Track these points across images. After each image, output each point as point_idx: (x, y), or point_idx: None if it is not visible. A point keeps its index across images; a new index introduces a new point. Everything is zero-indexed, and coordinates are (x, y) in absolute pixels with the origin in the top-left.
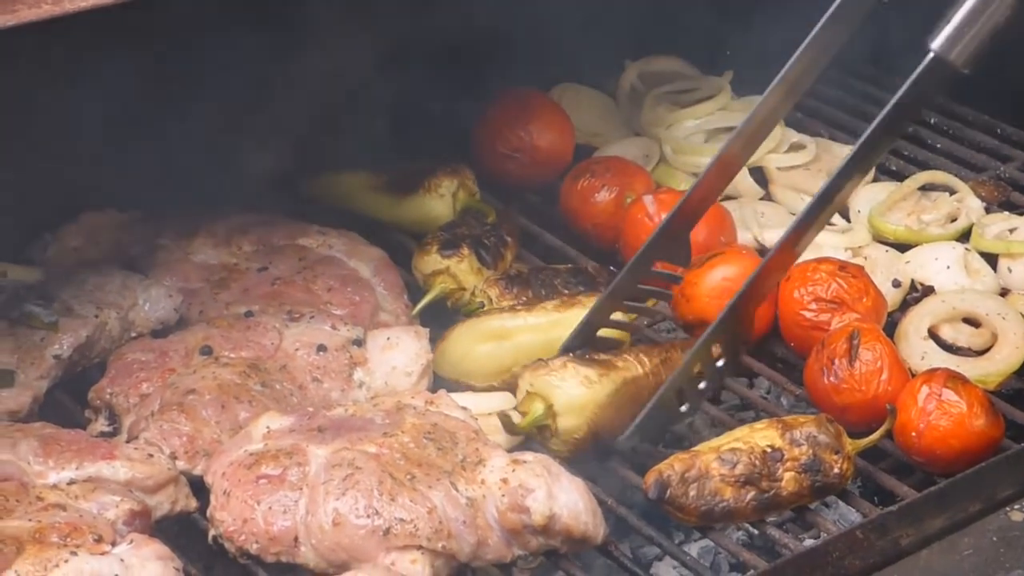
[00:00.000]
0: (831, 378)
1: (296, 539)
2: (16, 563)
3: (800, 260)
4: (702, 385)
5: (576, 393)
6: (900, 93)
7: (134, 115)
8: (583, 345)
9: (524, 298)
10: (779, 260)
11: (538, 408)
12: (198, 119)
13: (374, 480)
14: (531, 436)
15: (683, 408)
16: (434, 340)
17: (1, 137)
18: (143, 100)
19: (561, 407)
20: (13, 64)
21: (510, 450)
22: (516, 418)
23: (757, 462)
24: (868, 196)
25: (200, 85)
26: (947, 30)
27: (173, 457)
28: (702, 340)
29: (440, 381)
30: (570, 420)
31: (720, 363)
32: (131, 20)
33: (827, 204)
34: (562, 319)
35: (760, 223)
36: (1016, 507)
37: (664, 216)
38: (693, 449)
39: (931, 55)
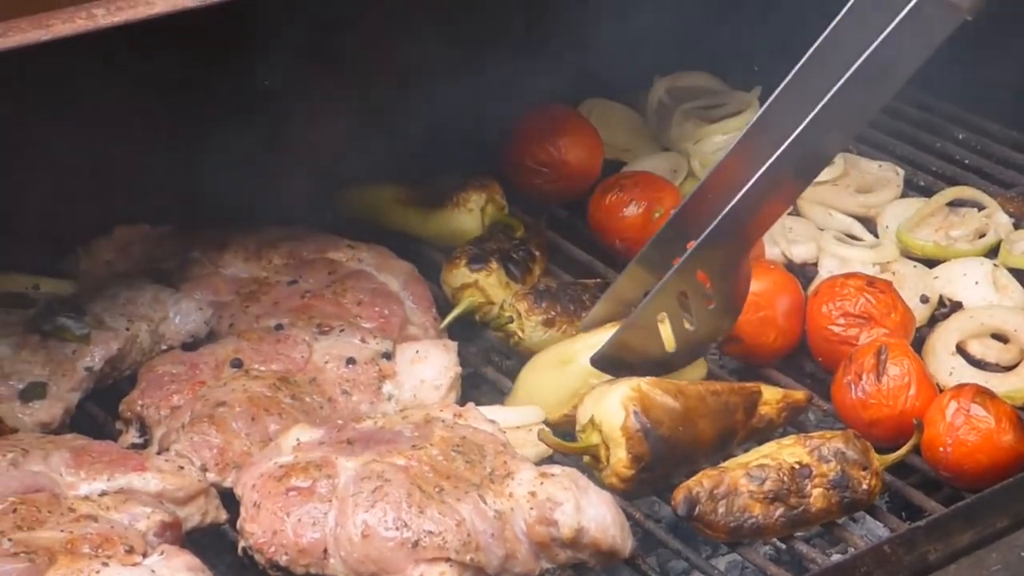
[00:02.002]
0: (859, 393)
1: (325, 551)
2: (48, 573)
3: (829, 275)
4: (689, 326)
5: (610, 392)
6: (883, 36)
7: (166, 130)
8: (613, 318)
9: (553, 312)
10: (773, 184)
11: (584, 425)
12: (230, 134)
13: (403, 492)
14: (589, 466)
15: (670, 349)
16: (461, 353)
17: (34, 151)
18: (175, 115)
19: (601, 414)
20: (46, 78)
21: (538, 463)
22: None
23: (785, 478)
24: (896, 212)
25: (231, 100)
26: None
27: (203, 469)
28: (682, 262)
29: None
30: (610, 421)
31: (711, 308)
32: (164, 35)
33: (799, 156)
34: None
35: (788, 238)
36: None
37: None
38: (721, 465)
39: None
